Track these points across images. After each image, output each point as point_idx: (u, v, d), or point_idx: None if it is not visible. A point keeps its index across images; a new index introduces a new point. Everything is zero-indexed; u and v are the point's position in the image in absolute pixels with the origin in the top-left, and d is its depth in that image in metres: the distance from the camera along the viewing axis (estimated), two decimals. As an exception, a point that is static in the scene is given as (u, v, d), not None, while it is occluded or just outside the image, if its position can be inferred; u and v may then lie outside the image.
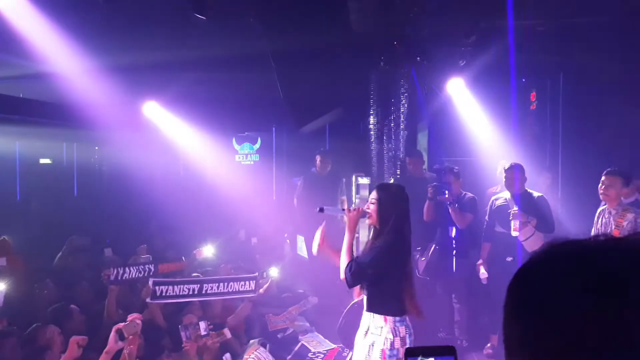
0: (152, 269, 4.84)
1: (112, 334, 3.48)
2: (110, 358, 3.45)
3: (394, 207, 3.50)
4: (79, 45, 5.53)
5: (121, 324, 3.53)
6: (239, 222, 7.46)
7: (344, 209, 3.63)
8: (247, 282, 4.82)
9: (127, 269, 4.64)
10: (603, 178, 4.76)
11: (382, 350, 3.45)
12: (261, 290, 5.08)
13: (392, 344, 3.44)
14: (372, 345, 3.50)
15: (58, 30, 5.21)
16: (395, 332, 3.45)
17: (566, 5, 5.58)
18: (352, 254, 3.56)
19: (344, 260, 3.53)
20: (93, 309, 4.77)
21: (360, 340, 3.57)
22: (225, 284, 4.73)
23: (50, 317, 4.26)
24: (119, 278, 4.56)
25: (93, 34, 5.67)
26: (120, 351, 3.50)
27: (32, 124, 7.54)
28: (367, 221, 3.65)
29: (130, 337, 3.48)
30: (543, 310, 0.72)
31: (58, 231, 7.14)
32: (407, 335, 3.49)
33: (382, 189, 3.62)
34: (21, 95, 7.19)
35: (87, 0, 5.45)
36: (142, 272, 4.77)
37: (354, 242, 3.70)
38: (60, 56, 5.57)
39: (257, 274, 4.99)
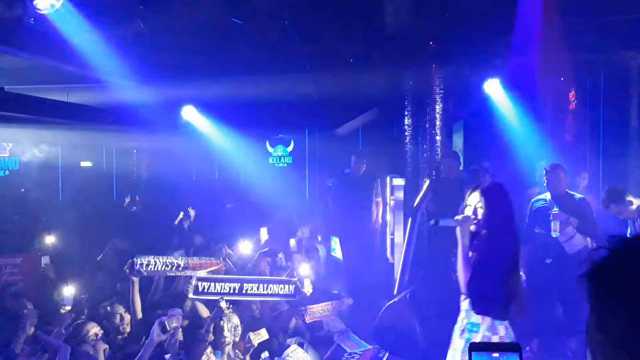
0: (182, 265, 4.56)
1: (155, 326, 3.53)
2: (152, 349, 3.50)
3: (504, 207, 3.26)
4: (119, 49, 5.68)
5: (164, 317, 3.59)
6: (265, 222, 7.46)
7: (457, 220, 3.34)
8: (287, 286, 4.84)
9: (152, 260, 4.33)
10: None
11: None
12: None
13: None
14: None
15: (100, 35, 5.36)
16: (493, 331, 3.26)
17: (605, 2, 5.46)
18: (469, 267, 3.33)
19: (462, 276, 3.33)
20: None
21: (456, 339, 3.39)
22: (265, 285, 4.74)
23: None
24: (144, 269, 4.26)
25: (133, 38, 5.82)
26: (162, 342, 3.57)
27: (74, 127, 7.79)
28: (471, 227, 3.33)
29: (173, 329, 3.55)
30: None
31: (97, 233, 7.34)
32: (506, 335, 3.26)
33: (489, 190, 3.33)
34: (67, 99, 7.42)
35: (127, 6, 5.62)
36: (170, 267, 4.48)
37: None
38: (102, 61, 5.73)
39: (297, 278, 5.00)
